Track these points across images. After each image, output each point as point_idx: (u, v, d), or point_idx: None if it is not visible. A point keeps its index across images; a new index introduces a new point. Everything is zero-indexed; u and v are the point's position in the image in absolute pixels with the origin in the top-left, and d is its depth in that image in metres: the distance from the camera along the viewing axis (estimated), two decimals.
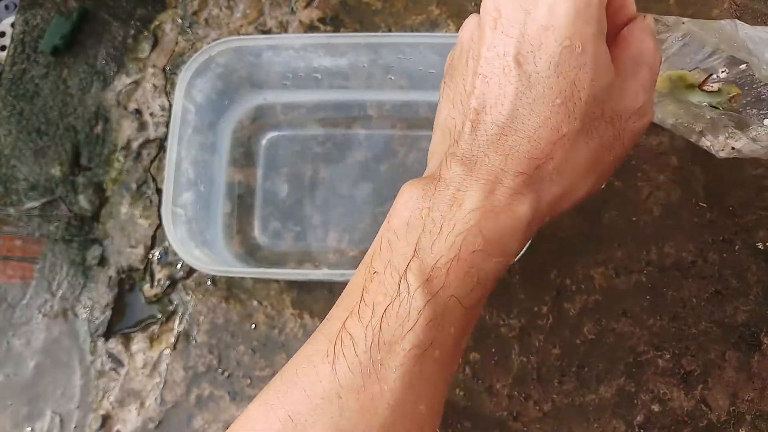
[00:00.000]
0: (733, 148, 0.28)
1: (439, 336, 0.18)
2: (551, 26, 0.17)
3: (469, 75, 0.19)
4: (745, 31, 0.25)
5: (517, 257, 0.31)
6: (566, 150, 0.18)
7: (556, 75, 0.17)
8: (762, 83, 0.26)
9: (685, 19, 0.25)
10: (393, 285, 0.18)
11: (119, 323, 0.48)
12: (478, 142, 0.19)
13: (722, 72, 0.27)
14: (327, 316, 0.20)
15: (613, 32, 0.20)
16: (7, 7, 0.61)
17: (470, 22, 0.21)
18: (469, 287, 0.18)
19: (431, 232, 0.18)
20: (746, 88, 0.27)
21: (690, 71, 0.28)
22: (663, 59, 0.27)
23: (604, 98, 0.18)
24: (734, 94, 0.27)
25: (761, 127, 0.27)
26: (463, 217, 0.18)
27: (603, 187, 0.21)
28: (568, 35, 0.17)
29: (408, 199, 0.19)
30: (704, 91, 0.28)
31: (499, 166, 0.18)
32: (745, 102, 0.28)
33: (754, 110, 0.27)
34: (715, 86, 0.27)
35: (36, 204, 0.50)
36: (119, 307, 0.48)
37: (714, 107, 0.28)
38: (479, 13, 0.20)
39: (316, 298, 0.47)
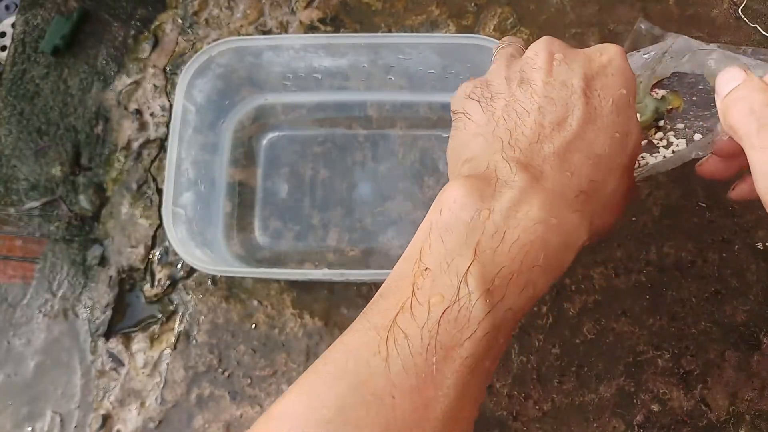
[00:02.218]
0: (647, 162, 0.29)
1: (491, 347, 0.18)
2: (613, 73, 0.20)
3: (526, 96, 0.20)
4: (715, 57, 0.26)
5: None
6: (616, 181, 0.19)
7: (617, 113, 0.19)
8: (700, 110, 0.27)
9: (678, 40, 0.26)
10: (451, 287, 0.17)
11: (120, 323, 0.48)
12: (543, 154, 0.19)
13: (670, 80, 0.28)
14: (369, 308, 0.19)
15: None
16: (7, 7, 0.61)
17: (513, 63, 0.22)
18: (524, 301, 0.18)
19: (493, 236, 0.18)
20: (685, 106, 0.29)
21: (639, 81, 0.29)
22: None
23: (637, 150, 0.21)
24: (675, 106, 0.28)
25: (680, 139, 0.28)
26: (527, 228, 0.18)
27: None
28: (624, 86, 0.20)
29: (463, 196, 0.19)
30: (651, 95, 0.29)
31: (565, 182, 0.19)
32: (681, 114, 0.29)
33: (681, 125, 0.28)
34: (660, 93, 0.28)
35: (36, 204, 0.50)
36: (120, 306, 0.48)
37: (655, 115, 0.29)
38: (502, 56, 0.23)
39: (317, 298, 0.47)
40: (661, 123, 0.29)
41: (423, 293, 0.18)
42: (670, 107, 0.28)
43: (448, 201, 0.19)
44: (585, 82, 0.20)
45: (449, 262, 0.18)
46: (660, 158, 0.28)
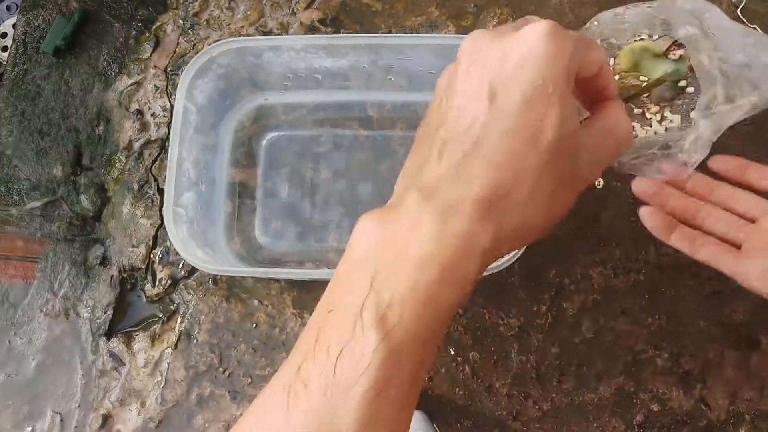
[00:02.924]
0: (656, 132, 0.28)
1: (395, 374, 0.17)
2: (526, 65, 0.19)
3: (442, 111, 0.20)
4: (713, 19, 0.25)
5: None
6: (530, 182, 0.19)
7: (528, 110, 0.18)
8: (696, 77, 0.26)
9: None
10: (348, 325, 0.17)
11: (121, 322, 0.48)
12: (442, 170, 0.19)
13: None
14: (284, 362, 0.20)
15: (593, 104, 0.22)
16: (8, 8, 0.62)
17: (447, 70, 0.22)
18: (425, 320, 0.18)
19: (388, 263, 0.18)
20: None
21: (654, 41, 0.28)
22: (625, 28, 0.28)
23: (568, 142, 0.19)
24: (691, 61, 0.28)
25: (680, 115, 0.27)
26: (420, 247, 0.18)
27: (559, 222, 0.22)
28: (541, 76, 0.18)
29: (365, 229, 0.19)
30: (669, 59, 0.28)
31: (461, 193, 0.18)
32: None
33: (679, 101, 0.28)
34: (678, 54, 0.28)
35: (38, 204, 0.50)
36: (121, 306, 0.48)
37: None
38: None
39: (317, 298, 0.47)
40: (684, 83, 0.28)
41: (324, 337, 0.18)
42: (689, 63, 0.27)
43: (353, 239, 0.19)
44: (493, 83, 0.19)
45: (349, 299, 0.18)
46: (651, 132, 0.28)
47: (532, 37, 0.19)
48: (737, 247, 0.32)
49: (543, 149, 0.18)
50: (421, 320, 0.18)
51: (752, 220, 0.32)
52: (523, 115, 0.18)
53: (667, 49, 0.28)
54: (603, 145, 0.21)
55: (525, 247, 0.36)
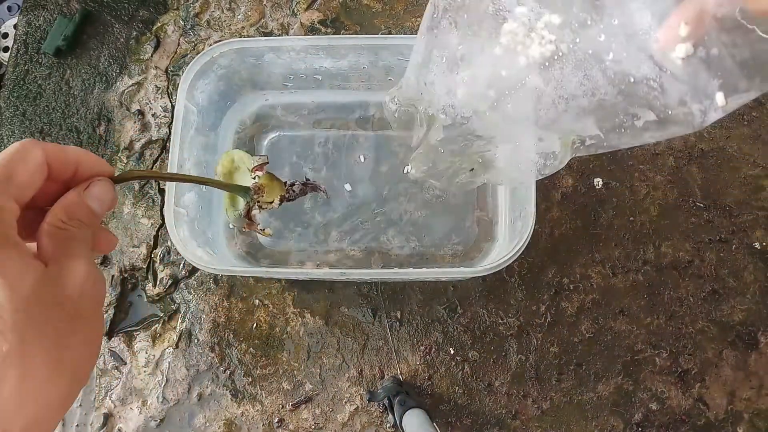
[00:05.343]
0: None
1: None
2: None
3: None
4: None
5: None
6: (15, 365, 0.18)
7: None
8: None
9: None
10: None
11: (122, 322, 0.48)
12: None
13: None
14: None
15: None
16: (9, 8, 0.62)
17: None
18: None
19: None
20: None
21: (254, 156, 0.27)
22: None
23: (37, 296, 0.19)
24: (262, 183, 0.26)
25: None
26: None
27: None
28: None
29: None
30: (252, 178, 0.26)
31: None
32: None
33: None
34: (256, 175, 0.26)
35: None
36: (122, 306, 0.48)
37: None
38: None
39: (317, 297, 0.47)
40: (255, 212, 0.26)
41: None
42: (259, 187, 0.25)
43: None
44: None
45: None
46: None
47: None
48: None
49: (8, 329, 0.18)
50: None
51: None
52: None
53: (258, 167, 0.26)
54: (68, 260, 0.20)
55: (524, 247, 0.36)
